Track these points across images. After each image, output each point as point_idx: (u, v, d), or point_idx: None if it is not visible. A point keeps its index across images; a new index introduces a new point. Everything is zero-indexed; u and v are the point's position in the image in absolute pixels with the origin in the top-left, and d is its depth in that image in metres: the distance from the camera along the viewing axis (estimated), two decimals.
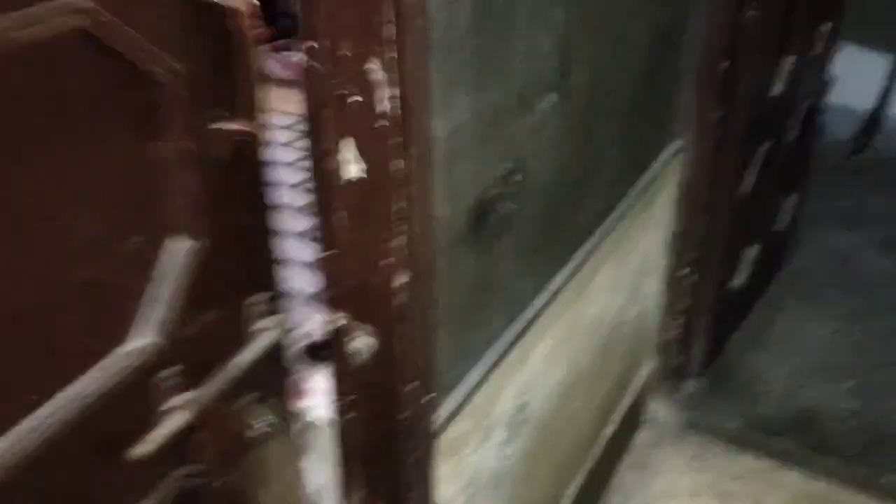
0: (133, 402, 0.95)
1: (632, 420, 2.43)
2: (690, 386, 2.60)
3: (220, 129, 0.97)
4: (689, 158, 2.19)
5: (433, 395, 1.27)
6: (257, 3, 0.95)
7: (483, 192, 1.29)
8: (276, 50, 4.48)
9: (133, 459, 0.96)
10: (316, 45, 0.99)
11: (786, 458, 2.42)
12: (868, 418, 2.51)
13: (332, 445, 1.34)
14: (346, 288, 1.16)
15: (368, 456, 1.30)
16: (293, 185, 3.59)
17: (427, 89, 1.05)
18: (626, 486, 2.34)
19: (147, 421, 0.97)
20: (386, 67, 0.97)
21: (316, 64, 1.01)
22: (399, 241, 1.09)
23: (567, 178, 1.57)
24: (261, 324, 1.11)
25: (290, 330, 1.18)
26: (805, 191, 3.07)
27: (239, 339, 1.09)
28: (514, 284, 1.48)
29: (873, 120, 3.89)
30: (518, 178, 1.37)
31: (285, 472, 1.27)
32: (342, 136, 1.04)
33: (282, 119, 4.09)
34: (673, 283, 2.37)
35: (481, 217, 1.31)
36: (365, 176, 1.06)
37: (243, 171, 1.03)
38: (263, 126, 1.03)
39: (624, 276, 2.04)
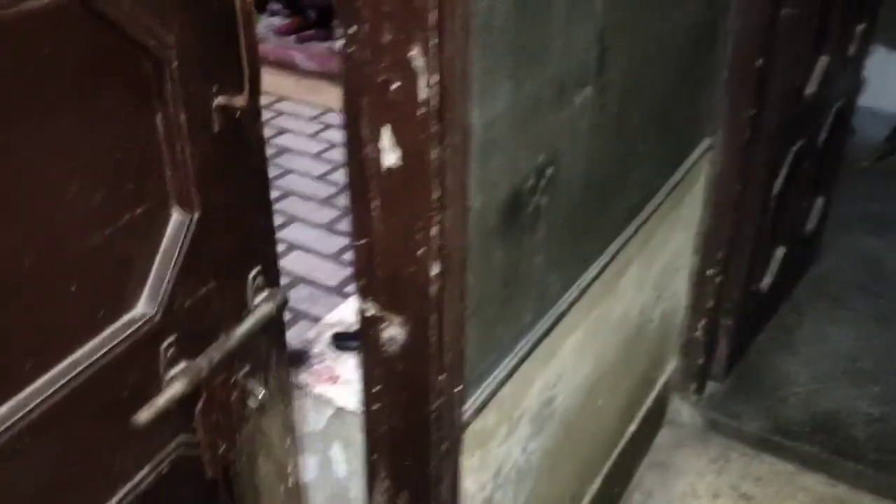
0: (133, 370, 0.97)
1: (654, 419, 2.41)
2: (714, 387, 2.58)
3: (217, 104, 0.98)
4: (719, 157, 2.17)
5: (462, 387, 1.26)
6: None
7: (516, 185, 1.29)
8: (302, 41, 4.49)
9: (133, 426, 0.98)
10: (357, 30, 0.98)
11: (808, 461, 2.40)
12: (891, 424, 2.48)
13: (359, 434, 1.34)
14: (378, 277, 1.15)
15: (395, 446, 1.30)
16: (318, 177, 3.60)
17: (467, 78, 1.04)
18: (647, 485, 2.33)
19: (147, 389, 1.00)
20: (428, 54, 0.96)
21: (356, 50, 1.00)
22: (433, 231, 1.09)
23: (599, 174, 1.56)
24: (258, 297, 1.13)
25: (284, 304, 1.19)
26: (833, 193, 3.04)
27: (236, 311, 1.10)
28: (544, 278, 1.47)
29: None
30: (551, 171, 1.36)
31: (279, 444, 1.29)
32: (381, 123, 1.03)
33: (308, 110, 4.10)
34: (699, 283, 2.35)
35: (514, 209, 1.30)
36: (402, 164, 1.06)
37: (241, 145, 1.04)
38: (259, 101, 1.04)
39: (652, 274, 2.03)
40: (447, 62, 0.98)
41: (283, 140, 3.84)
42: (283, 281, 3.07)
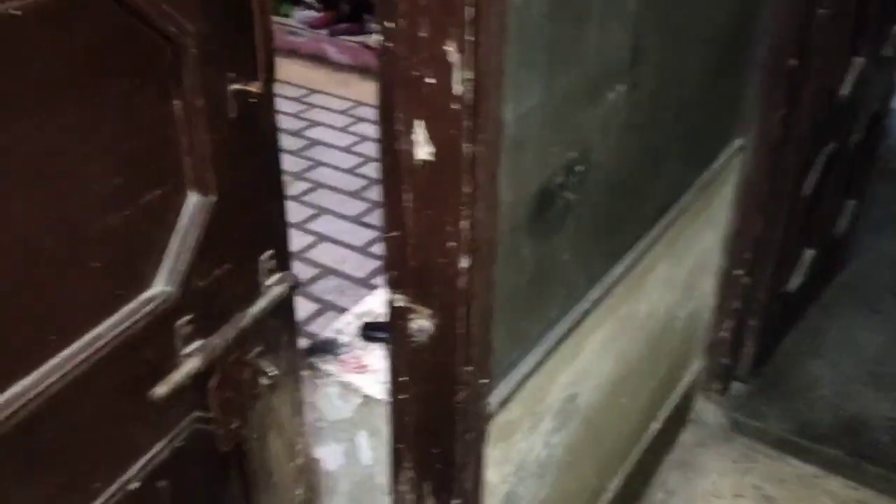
0: (151, 347, 1.02)
1: (678, 418, 2.41)
2: (739, 387, 2.57)
3: (233, 90, 1.01)
4: (750, 157, 2.16)
5: (488, 379, 1.28)
6: None
7: (546, 181, 1.30)
8: (335, 34, 4.52)
9: (151, 401, 1.03)
10: (394, 25, 1.00)
11: (832, 464, 2.38)
12: None
13: (385, 423, 1.36)
14: (408, 269, 1.17)
15: (421, 435, 1.32)
16: (348, 170, 3.62)
17: (501, 73, 1.05)
18: (669, 485, 2.33)
19: (164, 366, 1.04)
20: (463, 50, 0.97)
21: (392, 44, 1.02)
22: (464, 225, 1.10)
23: (629, 172, 1.56)
24: (270, 279, 1.17)
25: (295, 286, 1.23)
26: (866, 196, 3.01)
27: (249, 292, 1.15)
28: (571, 275, 1.48)
29: None
30: (581, 167, 1.37)
31: (289, 422, 1.33)
32: (415, 117, 1.05)
33: (339, 103, 4.13)
34: (727, 283, 2.35)
35: (543, 205, 1.31)
36: (435, 158, 1.07)
37: (255, 131, 1.08)
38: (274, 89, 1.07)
39: (679, 273, 2.03)
40: (482, 58, 0.99)
41: (313, 133, 3.87)
42: (312, 272, 3.10)
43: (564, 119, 1.28)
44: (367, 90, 3.94)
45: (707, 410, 2.54)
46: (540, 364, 1.44)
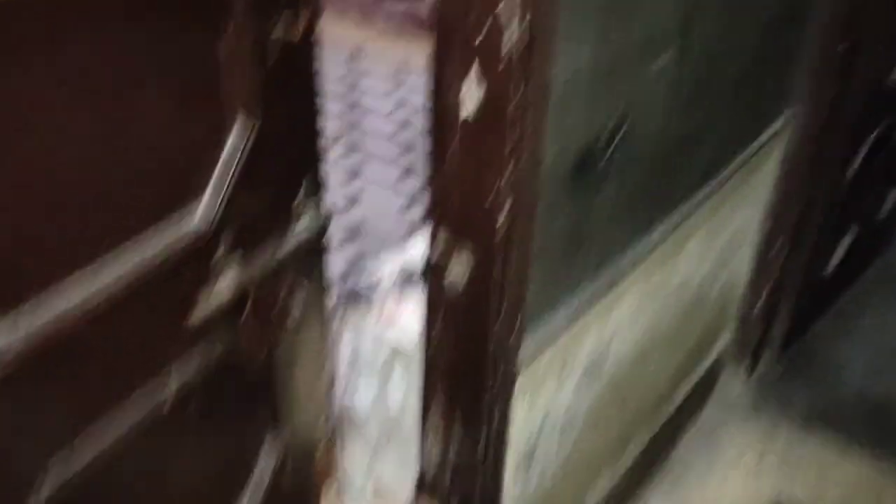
0: (188, 273, 1.07)
1: (703, 391, 2.44)
2: (767, 365, 2.59)
3: (277, 38, 1.06)
4: (795, 136, 2.16)
5: (519, 331, 1.32)
6: None
7: (590, 141, 1.32)
8: None
9: (185, 326, 1.08)
10: None
11: (854, 447, 2.40)
12: None
13: (417, 371, 1.41)
14: (451, 213, 1.21)
15: (451, 383, 1.36)
16: (388, 136, 3.66)
17: (551, 33, 1.08)
18: (690, 456, 2.36)
19: (199, 293, 1.09)
20: (516, 7, 1.00)
21: (446, 1, 1.05)
22: (506, 178, 1.14)
23: (672, 139, 1.58)
24: (303, 217, 1.22)
25: (327, 225, 1.27)
26: None
27: (283, 228, 1.20)
28: (608, 237, 1.51)
29: None
30: (624, 130, 1.39)
31: (315, 357, 1.38)
32: (465, 72, 1.08)
33: (384, 68, 4.15)
34: (763, 261, 2.35)
35: (584, 166, 1.33)
36: (482, 112, 1.10)
37: (297, 73, 1.13)
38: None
39: (715, 245, 2.04)
40: (534, 16, 1.02)
41: (356, 97, 3.92)
42: (348, 233, 3.14)
43: (611, 81, 1.30)
44: (417, 49, 3.96)
45: (733, 386, 2.56)
46: (571, 323, 1.48)
